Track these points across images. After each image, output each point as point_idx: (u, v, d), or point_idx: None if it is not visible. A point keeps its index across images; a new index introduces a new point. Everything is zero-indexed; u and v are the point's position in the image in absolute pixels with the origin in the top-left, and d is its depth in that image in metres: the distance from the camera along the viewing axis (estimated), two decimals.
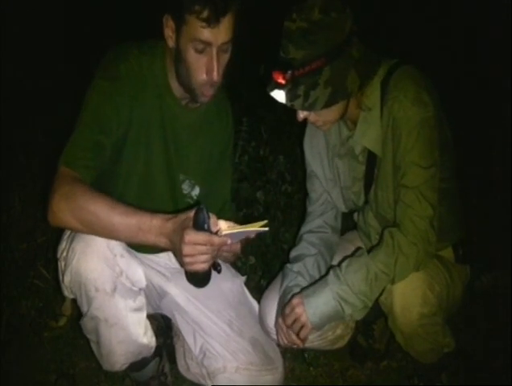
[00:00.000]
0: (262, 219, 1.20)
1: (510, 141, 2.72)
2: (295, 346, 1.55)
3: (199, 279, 1.24)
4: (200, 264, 1.17)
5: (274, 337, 1.64)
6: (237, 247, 1.36)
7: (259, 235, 1.23)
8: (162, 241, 1.22)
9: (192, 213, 1.17)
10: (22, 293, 2.04)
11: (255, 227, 1.18)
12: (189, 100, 1.50)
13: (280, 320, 1.55)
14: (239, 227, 1.21)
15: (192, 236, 1.14)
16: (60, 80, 3.12)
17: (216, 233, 1.18)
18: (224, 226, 1.21)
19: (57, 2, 3.64)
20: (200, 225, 1.14)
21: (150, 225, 1.21)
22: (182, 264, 1.19)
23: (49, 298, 2.05)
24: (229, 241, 1.18)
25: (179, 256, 1.18)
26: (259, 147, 2.84)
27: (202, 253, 1.15)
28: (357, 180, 1.63)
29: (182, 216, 1.19)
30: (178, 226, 1.18)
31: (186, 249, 1.14)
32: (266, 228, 1.17)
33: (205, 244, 1.14)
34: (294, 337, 1.52)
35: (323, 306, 1.46)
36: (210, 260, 1.18)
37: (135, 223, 1.22)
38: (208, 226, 1.15)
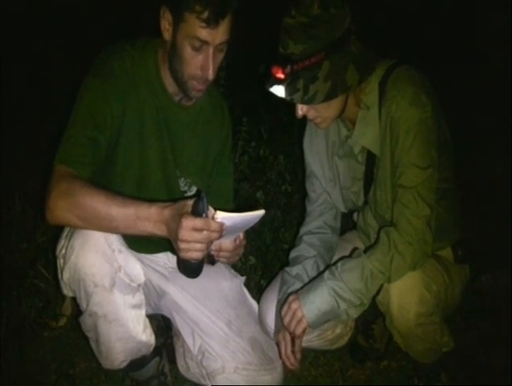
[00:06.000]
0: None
1: (510, 141, 2.72)
2: (293, 363, 1.55)
3: (191, 268, 1.22)
4: (195, 252, 1.16)
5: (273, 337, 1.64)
6: (241, 250, 1.37)
7: (257, 223, 1.21)
8: (160, 229, 1.21)
9: (190, 201, 1.17)
10: (22, 293, 2.04)
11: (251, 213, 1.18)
12: (182, 96, 1.51)
13: (280, 335, 1.55)
14: (235, 213, 1.19)
15: (190, 221, 1.13)
16: (61, 80, 3.12)
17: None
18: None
19: (59, 2, 3.64)
20: (198, 213, 1.14)
21: (149, 213, 1.21)
22: (177, 250, 1.18)
23: (49, 298, 2.05)
24: (225, 226, 1.16)
25: (174, 241, 1.17)
26: (259, 147, 2.84)
27: (198, 241, 1.14)
28: (357, 180, 1.63)
29: (180, 203, 1.19)
30: (176, 212, 1.17)
31: (182, 234, 1.13)
32: (263, 212, 1.17)
33: (202, 230, 1.13)
34: (292, 355, 1.53)
35: (318, 302, 1.45)
36: (205, 250, 1.17)
37: (133, 212, 1.22)
38: (207, 215, 1.15)
